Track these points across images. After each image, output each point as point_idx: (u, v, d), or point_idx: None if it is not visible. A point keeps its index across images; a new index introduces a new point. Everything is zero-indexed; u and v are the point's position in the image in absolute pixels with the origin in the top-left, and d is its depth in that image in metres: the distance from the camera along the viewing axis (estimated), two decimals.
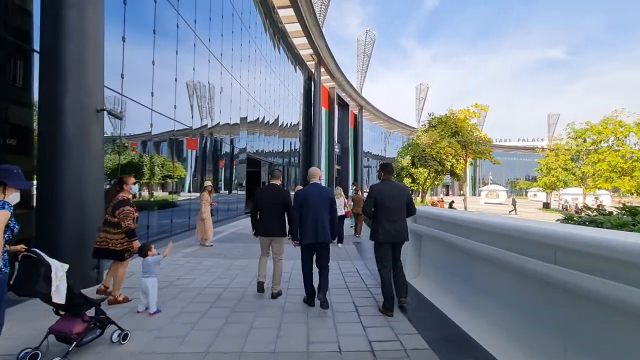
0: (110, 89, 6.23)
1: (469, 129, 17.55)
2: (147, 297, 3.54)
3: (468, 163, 19.18)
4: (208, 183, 8.21)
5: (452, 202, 24.47)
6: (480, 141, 17.84)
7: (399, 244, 3.82)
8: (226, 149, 14.32)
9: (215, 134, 12.70)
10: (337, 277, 5.22)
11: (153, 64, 8.27)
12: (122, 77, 6.81)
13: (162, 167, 9.23)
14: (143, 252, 3.66)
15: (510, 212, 28.60)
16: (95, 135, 4.50)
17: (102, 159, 4.69)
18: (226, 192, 14.43)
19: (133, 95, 7.26)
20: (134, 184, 4.00)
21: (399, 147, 31.52)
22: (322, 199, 3.83)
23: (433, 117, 18.25)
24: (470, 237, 3.45)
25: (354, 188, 13.85)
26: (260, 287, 4.15)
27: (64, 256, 4.32)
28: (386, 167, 3.97)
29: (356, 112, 47.94)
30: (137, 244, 3.81)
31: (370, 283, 4.91)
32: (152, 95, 8.18)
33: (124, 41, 6.97)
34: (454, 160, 16.60)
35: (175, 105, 9.47)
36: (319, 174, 4.06)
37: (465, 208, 20.34)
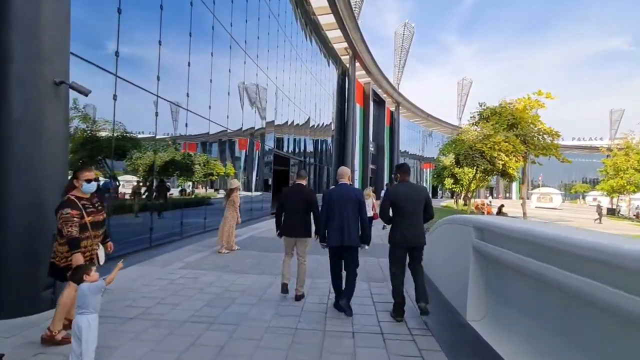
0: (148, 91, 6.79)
1: (530, 121, 15.00)
2: (80, 344, 2.40)
3: (529, 161, 16.63)
4: (236, 182, 7.20)
5: (502, 206, 21.84)
6: (545, 135, 15.20)
7: (416, 249, 3.61)
8: (253, 146, 13.38)
9: (244, 131, 11.79)
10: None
11: (189, 65, 8.30)
12: (159, 80, 7.15)
13: (204, 165, 9.71)
14: (76, 276, 2.52)
15: (595, 220, 25.31)
16: (53, 115, 3.49)
17: (63, 146, 3.69)
18: (250, 191, 13.52)
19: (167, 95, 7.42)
20: (91, 180, 2.88)
21: (440, 144, 29.06)
22: (349, 200, 3.71)
23: (484, 107, 15.86)
24: (594, 275, 1.93)
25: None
26: (284, 289, 4.09)
27: (8, 273, 3.43)
28: (401, 168, 3.80)
29: (392, 109, 45.66)
30: (77, 258, 2.71)
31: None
32: (188, 96, 8.22)
33: (160, 45, 7.21)
34: (507, 158, 14.31)
35: (209, 106, 9.49)
36: (348, 174, 3.97)
37: (525, 215, 17.80)
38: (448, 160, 20.54)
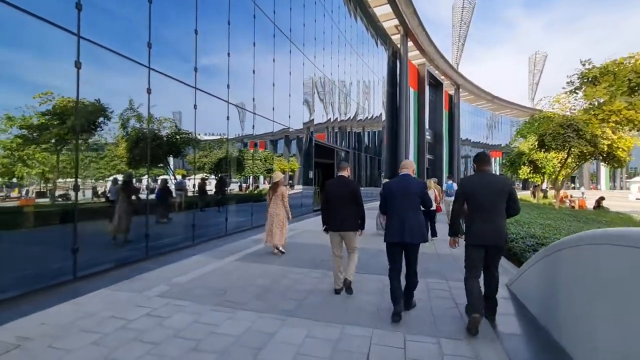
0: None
1: None
2: None
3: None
4: (279, 174, 6.30)
5: (601, 199, 17.47)
6: None
7: (494, 249, 3.18)
8: (292, 135, 11.83)
9: (282, 119, 10.29)
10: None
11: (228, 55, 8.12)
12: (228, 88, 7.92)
13: (265, 161, 10.02)
14: None
15: None
16: None
17: None
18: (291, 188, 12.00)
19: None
20: None
21: (515, 127, 24.53)
22: (411, 193, 3.42)
23: (590, 66, 11.97)
24: None
25: (450, 182, 10.14)
26: (338, 292, 3.97)
27: None
28: (481, 158, 3.33)
29: (451, 92, 41.14)
30: None
31: None
32: (228, 88, 8.09)
33: (229, 56, 8.04)
34: (620, 134, 10.64)
35: (253, 98, 9.30)
36: (413, 167, 3.68)
37: None
38: (526, 144, 16.84)
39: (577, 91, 11.36)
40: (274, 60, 10.54)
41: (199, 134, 7.09)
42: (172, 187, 6.70)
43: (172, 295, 3.83)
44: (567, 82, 11.50)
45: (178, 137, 6.60)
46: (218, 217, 8.05)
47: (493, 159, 49.04)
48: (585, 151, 12.41)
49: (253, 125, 9.28)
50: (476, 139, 48.11)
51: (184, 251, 6.15)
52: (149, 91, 5.72)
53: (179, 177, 6.97)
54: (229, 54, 7.92)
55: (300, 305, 3.62)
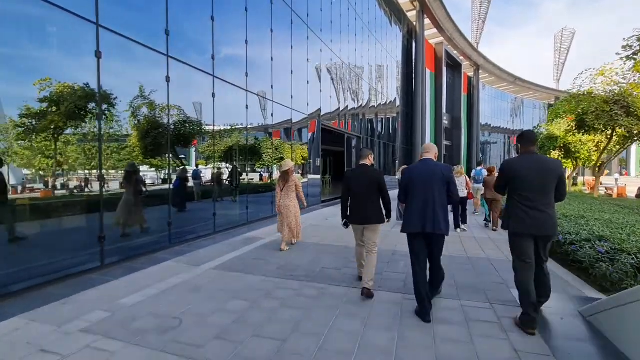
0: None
1: None
2: None
3: None
4: (289, 162, 5.54)
5: None
6: None
7: (543, 239, 2.88)
8: (297, 117, 10.58)
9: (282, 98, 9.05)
10: None
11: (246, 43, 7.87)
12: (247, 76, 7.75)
13: (277, 149, 9.55)
14: None
15: None
16: None
17: None
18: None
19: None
20: None
21: (539, 109, 22.44)
22: (434, 177, 3.08)
23: None
24: None
25: (480, 168, 8.88)
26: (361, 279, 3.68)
27: None
28: (526, 137, 3.04)
29: (471, 74, 38.63)
30: None
31: None
32: (247, 76, 7.87)
33: (247, 44, 7.78)
34: None
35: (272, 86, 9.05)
36: (435, 151, 3.32)
37: None
38: (557, 126, 15.01)
39: (635, 56, 9.57)
40: (291, 47, 10.04)
41: (218, 125, 7.05)
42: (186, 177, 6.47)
43: (101, 330, 2.73)
44: (624, 47, 9.68)
45: (197, 127, 6.47)
46: (221, 210, 7.26)
47: (515, 145, 46.53)
48: (636, 131, 10.65)
49: (272, 114, 9.12)
50: (497, 123, 45.47)
51: (159, 255, 5.09)
52: (167, 79, 5.61)
53: (195, 167, 6.84)
54: (246, 41, 7.72)
55: (279, 351, 2.45)
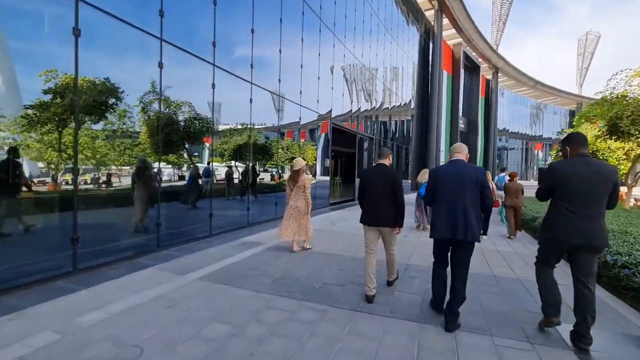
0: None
1: None
2: None
3: None
4: (301, 162, 5.18)
5: None
6: None
7: (590, 250, 2.56)
8: (309, 116, 10.03)
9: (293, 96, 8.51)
10: None
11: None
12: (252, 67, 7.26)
13: (287, 150, 9.32)
14: None
15: None
16: None
17: None
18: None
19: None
20: None
21: (560, 115, 21.28)
22: (466, 180, 2.82)
23: None
24: None
25: (503, 175, 8.23)
26: (370, 299, 3.33)
27: None
28: (574, 138, 2.75)
29: (489, 76, 37.42)
30: None
31: None
32: (252, 67, 7.39)
33: (252, 33, 7.30)
34: None
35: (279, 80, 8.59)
36: (466, 152, 3.07)
37: None
38: (585, 131, 14.00)
39: None
40: (302, 40, 9.54)
41: (252, 125, 7.36)
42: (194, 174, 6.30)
43: None
44: None
45: (206, 124, 6.30)
46: (228, 210, 7.12)
47: (535, 151, 44.80)
48: None
49: (301, 115, 9.16)
50: (515, 128, 43.94)
51: (143, 260, 4.57)
52: (213, 86, 6.15)
53: (207, 164, 6.66)
54: (252, 30, 7.37)
55: None
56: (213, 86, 6.21)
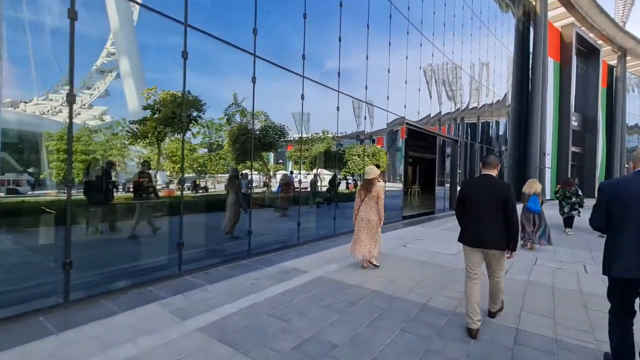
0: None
1: None
2: None
3: None
4: (375, 170, 4.89)
5: None
6: None
7: None
8: (383, 117, 8.82)
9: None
10: None
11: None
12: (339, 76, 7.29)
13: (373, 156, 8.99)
14: None
15: None
16: None
17: None
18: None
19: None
20: None
21: None
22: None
23: None
24: None
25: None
26: (474, 334, 2.81)
27: None
28: None
29: (613, 61, 30.19)
30: None
31: None
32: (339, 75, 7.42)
33: (340, 41, 7.28)
34: None
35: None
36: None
37: None
38: None
39: None
40: (389, 44, 9.08)
41: (337, 133, 7.46)
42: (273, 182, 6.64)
43: None
44: None
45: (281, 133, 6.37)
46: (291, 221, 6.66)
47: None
48: None
49: (387, 119, 8.88)
50: None
51: (154, 289, 3.82)
52: (302, 97, 6.30)
53: (290, 173, 6.84)
54: (367, 56, 7.90)
55: None
56: (302, 97, 6.35)
